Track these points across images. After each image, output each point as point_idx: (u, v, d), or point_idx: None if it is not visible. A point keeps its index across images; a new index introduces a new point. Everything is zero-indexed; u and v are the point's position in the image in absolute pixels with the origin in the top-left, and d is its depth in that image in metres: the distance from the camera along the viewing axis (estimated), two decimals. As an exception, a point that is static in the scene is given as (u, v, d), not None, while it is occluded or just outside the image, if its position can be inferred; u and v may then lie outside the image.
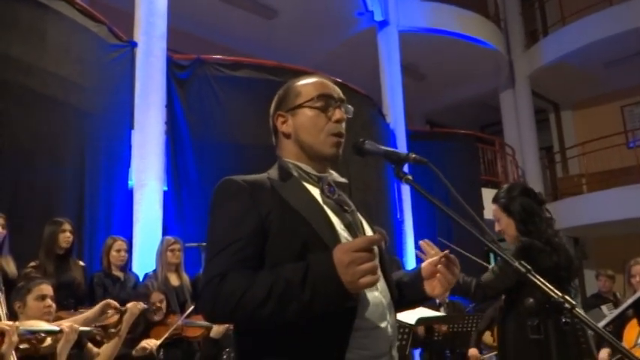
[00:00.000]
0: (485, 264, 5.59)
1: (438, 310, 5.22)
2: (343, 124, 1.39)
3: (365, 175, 7.08)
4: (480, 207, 8.37)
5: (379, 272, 1.16)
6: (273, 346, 1.19)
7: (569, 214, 9.39)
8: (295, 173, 1.36)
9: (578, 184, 11.01)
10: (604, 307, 5.39)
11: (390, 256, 5.87)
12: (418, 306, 1.38)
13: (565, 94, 11.98)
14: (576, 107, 12.16)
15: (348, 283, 1.07)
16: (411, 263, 7.47)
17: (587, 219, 9.55)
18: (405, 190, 8.10)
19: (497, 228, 2.69)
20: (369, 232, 1.41)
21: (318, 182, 1.37)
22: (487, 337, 5.23)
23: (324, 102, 1.38)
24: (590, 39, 9.74)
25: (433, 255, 1.51)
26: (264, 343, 1.21)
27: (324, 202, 1.33)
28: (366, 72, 8.49)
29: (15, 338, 2.24)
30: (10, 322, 2.31)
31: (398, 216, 7.97)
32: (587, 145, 10.69)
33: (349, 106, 1.42)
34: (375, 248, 1.17)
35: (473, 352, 4.90)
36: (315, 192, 1.35)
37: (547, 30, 11.67)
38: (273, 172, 1.37)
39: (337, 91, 1.42)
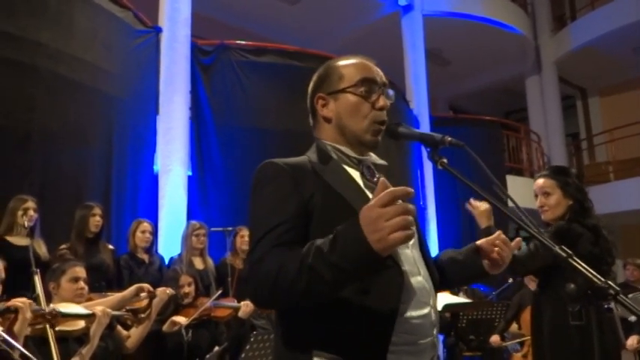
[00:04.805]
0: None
1: (457, 295, 5.21)
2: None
3: (388, 161, 6.98)
4: (504, 194, 8.26)
5: (415, 236, 1.16)
6: (321, 331, 1.16)
7: (596, 202, 8.95)
8: (334, 156, 1.33)
9: (605, 172, 10.83)
10: (631, 297, 5.33)
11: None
12: (474, 282, 1.39)
13: (593, 80, 11.73)
14: (604, 93, 11.91)
15: (376, 242, 0.97)
16: (433, 249, 7.43)
17: (614, 207, 9.36)
18: (428, 176, 8.04)
19: (539, 204, 2.56)
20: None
21: (358, 165, 1.35)
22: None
23: (368, 87, 1.33)
24: (619, 23, 9.50)
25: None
26: (311, 328, 1.18)
27: (365, 186, 1.32)
28: (390, 57, 8.33)
29: (28, 315, 2.25)
30: (24, 299, 2.32)
31: (421, 202, 7.92)
32: (614, 132, 10.49)
33: (391, 90, 1.38)
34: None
35: (495, 338, 4.90)
36: (356, 175, 1.33)
37: (575, 14, 11.41)
38: (312, 155, 1.34)
39: (380, 74, 1.37)
